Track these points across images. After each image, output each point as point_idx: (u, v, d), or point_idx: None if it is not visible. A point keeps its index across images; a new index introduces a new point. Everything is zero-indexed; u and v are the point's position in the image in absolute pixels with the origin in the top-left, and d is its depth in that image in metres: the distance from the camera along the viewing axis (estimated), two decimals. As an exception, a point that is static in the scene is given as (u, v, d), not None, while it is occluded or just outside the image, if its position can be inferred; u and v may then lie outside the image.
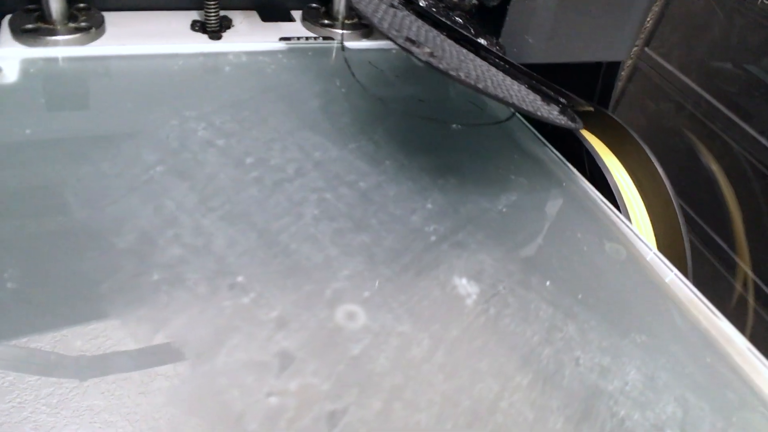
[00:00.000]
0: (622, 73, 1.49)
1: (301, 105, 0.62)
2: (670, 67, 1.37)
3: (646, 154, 0.75)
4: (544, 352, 0.43)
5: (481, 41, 0.65)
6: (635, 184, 0.77)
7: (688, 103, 1.31)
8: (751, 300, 1.15)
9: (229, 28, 0.79)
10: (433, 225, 0.52)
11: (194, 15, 0.80)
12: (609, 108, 0.87)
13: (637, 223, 0.74)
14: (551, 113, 0.58)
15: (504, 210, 0.56)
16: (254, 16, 0.83)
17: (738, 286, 1.16)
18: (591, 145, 0.76)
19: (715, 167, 1.18)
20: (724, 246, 1.19)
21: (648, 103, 1.43)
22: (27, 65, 0.59)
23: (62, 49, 0.67)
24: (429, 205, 0.54)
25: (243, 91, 0.61)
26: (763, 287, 1.11)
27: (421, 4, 0.67)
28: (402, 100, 0.69)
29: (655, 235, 0.74)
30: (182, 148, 0.53)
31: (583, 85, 0.87)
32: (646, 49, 1.42)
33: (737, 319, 1.13)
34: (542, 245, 0.54)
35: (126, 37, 0.72)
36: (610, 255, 0.56)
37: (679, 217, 0.71)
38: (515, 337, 0.44)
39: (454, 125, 0.66)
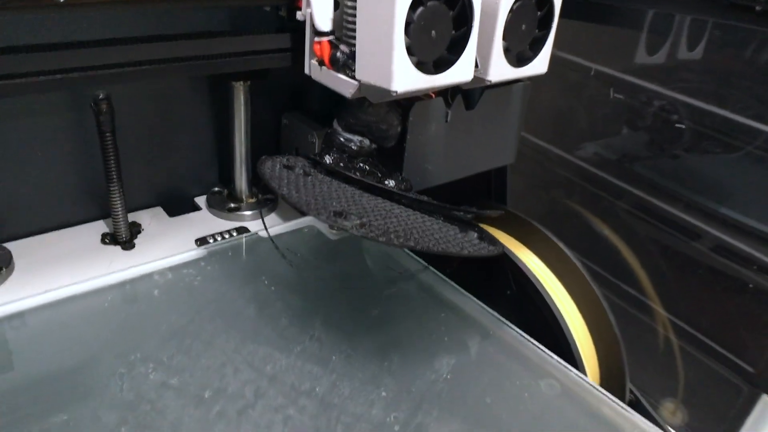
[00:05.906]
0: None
1: (239, 316, 0.65)
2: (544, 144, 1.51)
3: (553, 240, 0.85)
4: None
5: (390, 183, 0.72)
6: (550, 269, 0.86)
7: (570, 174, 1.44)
8: (673, 338, 1.27)
9: (139, 233, 0.81)
10: (392, 413, 0.56)
11: (101, 225, 0.81)
12: (507, 201, 0.96)
13: (561, 304, 0.83)
14: (473, 246, 0.65)
15: (449, 377, 0.62)
16: (161, 213, 0.85)
17: (660, 329, 1.28)
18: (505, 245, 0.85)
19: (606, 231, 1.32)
20: (636, 293, 1.31)
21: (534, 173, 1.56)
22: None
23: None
24: (383, 393, 0.59)
25: (180, 315, 0.63)
26: (679, 323, 1.23)
27: (327, 161, 0.73)
28: (327, 279, 0.73)
29: (579, 310, 0.83)
30: (139, 399, 0.54)
31: (479, 185, 0.95)
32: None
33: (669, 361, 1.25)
34: (491, 404, 0.60)
35: (39, 272, 0.71)
36: (546, 391, 0.63)
37: (600, 299, 0.80)
38: None
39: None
